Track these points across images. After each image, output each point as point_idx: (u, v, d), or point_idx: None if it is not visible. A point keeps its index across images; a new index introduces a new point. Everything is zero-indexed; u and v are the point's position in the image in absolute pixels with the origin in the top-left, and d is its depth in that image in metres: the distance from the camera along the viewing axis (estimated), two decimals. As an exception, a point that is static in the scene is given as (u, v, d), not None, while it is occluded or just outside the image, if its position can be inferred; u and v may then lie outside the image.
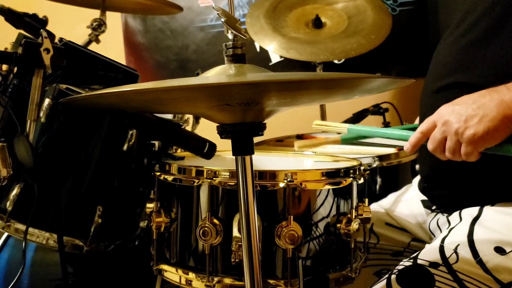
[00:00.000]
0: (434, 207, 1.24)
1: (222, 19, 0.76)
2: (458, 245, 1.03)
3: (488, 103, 0.96)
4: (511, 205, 1.08)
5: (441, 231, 1.17)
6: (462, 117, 0.97)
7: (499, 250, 1.01)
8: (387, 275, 1.04)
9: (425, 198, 1.27)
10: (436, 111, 1.03)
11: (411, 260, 1.05)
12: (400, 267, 1.04)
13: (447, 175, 1.17)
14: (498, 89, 0.98)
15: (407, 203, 1.32)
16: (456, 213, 1.14)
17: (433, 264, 1.01)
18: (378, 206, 1.35)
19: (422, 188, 1.28)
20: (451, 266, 1.00)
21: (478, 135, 0.96)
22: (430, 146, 1.04)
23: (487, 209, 1.09)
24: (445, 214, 1.18)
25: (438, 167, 1.17)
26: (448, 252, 1.02)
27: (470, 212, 1.11)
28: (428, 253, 1.05)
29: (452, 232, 1.08)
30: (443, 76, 1.16)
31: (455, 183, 1.17)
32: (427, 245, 1.10)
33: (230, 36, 0.78)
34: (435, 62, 1.23)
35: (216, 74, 0.80)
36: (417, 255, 1.05)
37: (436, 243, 1.07)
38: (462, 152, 0.99)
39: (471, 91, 1.03)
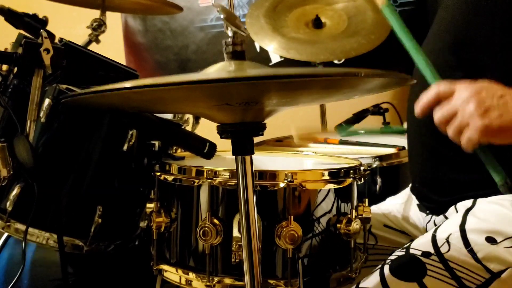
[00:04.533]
0: (428, 211, 1.24)
1: (222, 16, 0.76)
2: (450, 234, 1.03)
3: None
4: (504, 196, 1.08)
5: None
6: (484, 104, 0.94)
7: (490, 240, 1.01)
8: (380, 265, 1.04)
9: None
10: (462, 83, 0.98)
11: (404, 250, 1.05)
12: (392, 257, 1.05)
13: (437, 183, 1.18)
14: None
15: (405, 205, 1.32)
16: (452, 208, 1.14)
17: (425, 254, 1.02)
18: (376, 208, 1.35)
19: (416, 195, 1.28)
20: (442, 255, 1.01)
21: (490, 128, 0.93)
22: (437, 114, 0.99)
23: (481, 200, 1.10)
24: (441, 215, 1.19)
25: (427, 175, 1.18)
26: (440, 241, 1.03)
27: (464, 204, 1.11)
28: (421, 243, 1.05)
29: (445, 223, 1.09)
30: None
31: (445, 189, 1.17)
32: (420, 236, 1.10)
33: (230, 33, 0.78)
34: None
35: (216, 71, 0.80)
36: (410, 245, 1.06)
37: (429, 233, 1.08)
38: (466, 136, 0.95)
39: None
